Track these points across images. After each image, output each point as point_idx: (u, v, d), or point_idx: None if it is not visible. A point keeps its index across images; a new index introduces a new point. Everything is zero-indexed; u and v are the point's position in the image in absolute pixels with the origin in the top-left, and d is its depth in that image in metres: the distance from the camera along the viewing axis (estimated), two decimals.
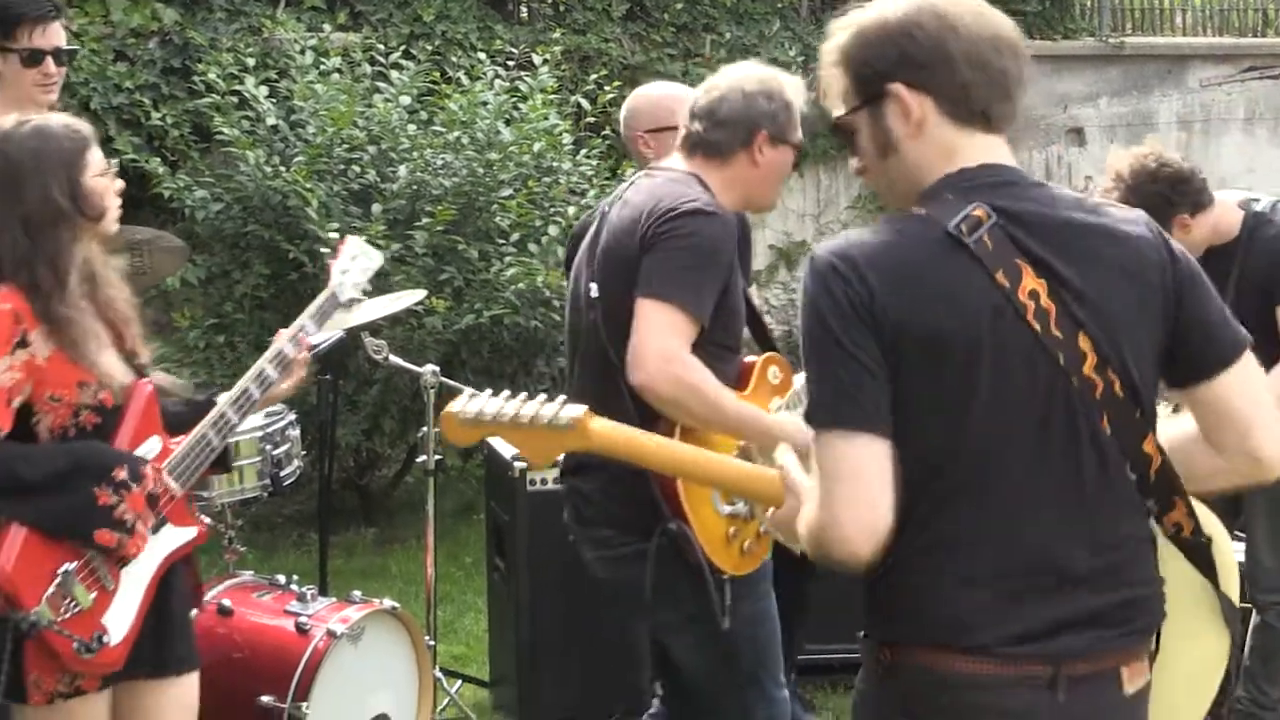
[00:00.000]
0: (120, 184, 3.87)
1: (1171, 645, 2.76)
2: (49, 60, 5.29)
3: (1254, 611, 5.30)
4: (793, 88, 4.15)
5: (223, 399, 3.96)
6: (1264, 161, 12.64)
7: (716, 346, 3.94)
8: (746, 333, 4.30)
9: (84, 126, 3.83)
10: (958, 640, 2.59)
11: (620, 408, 3.71)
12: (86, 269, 3.78)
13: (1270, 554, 5.17)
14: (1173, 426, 2.79)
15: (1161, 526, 2.73)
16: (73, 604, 3.60)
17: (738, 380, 4.07)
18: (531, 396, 2.90)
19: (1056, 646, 2.59)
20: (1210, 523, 2.81)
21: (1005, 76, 2.68)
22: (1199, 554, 2.78)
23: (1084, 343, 2.59)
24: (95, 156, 3.78)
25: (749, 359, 4.16)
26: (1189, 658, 2.85)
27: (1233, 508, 5.19)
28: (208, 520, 5.40)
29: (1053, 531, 2.62)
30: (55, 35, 5.33)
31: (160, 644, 3.83)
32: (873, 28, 2.68)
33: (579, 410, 2.85)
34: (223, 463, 4.28)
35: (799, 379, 4.29)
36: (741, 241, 5.41)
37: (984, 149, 2.70)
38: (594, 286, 4.04)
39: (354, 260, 4.35)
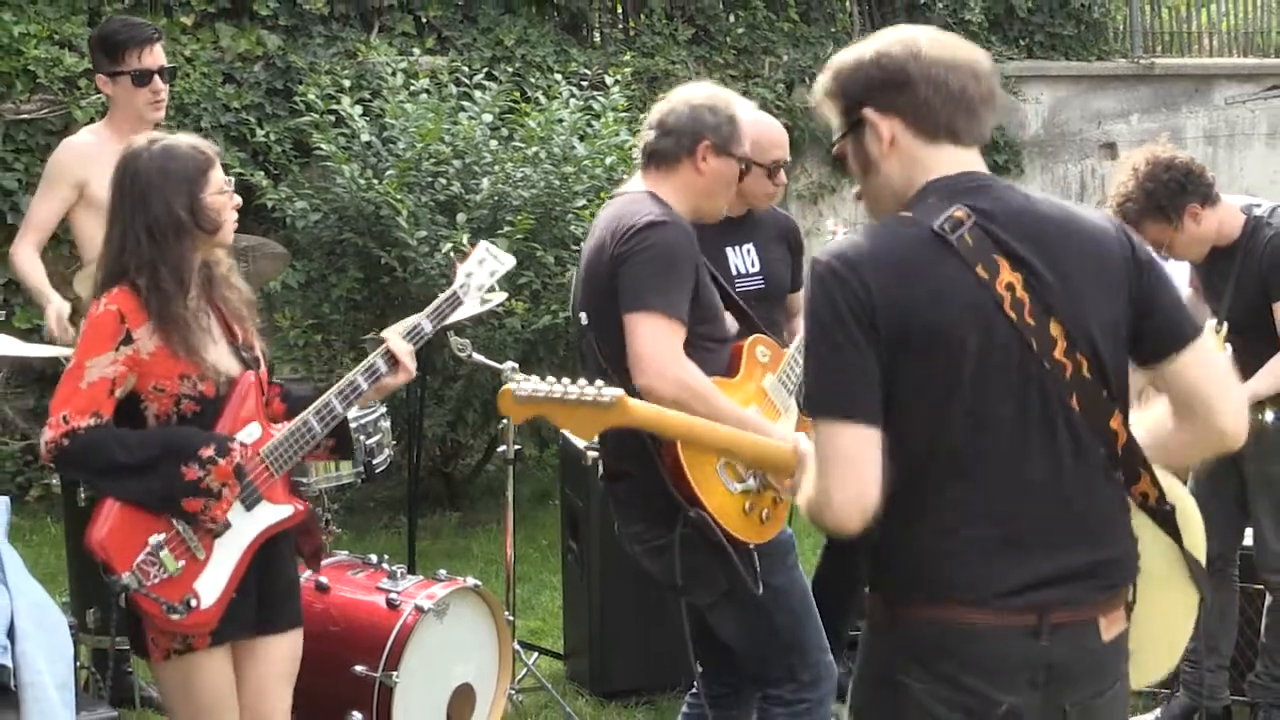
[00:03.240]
0: (238, 200, 3.96)
1: (1148, 600, 2.85)
2: (156, 78, 5.33)
3: (1267, 593, 5.27)
4: (742, 107, 4.18)
5: (331, 389, 4.01)
6: None
7: (703, 340, 3.97)
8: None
9: (209, 148, 3.93)
10: (956, 595, 2.70)
11: None
12: (205, 273, 3.92)
13: (1276, 541, 5.14)
14: (1150, 412, 2.88)
15: (1130, 496, 2.82)
16: (161, 570, 3.72)
17: (729, 367, 4.08)
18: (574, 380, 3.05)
19: (1041, 598, 2.70)
20: (1178, 493, 2.91)
21: (964, 94, 2.77)
22: (1165, 520, 2.87)
23: (1055, 328, 2.68)
24: (216, 175, 3.88)
25: (738, 343, 4.16)
26: (1163, 610, 2.93)
27: (1241, 503, 5.16)
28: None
29: (1036, 500, 2.71)
30: (159, 56, 5.38)
31: (264, 607, 3.94)
32: (848, 64, 2.82)
33: (618, 391, 3.00)
34: (344, 450, 4.31)
35: (791, 347, 4.28)
36: (793, 246, 5.42)
37: (958, 161, 2.78)
38: (584, 315, 4.06)
39: (480, 264, 4.39)
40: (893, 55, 2.77)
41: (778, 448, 3.09)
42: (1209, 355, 2.84)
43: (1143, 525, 2.84)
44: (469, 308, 5.05)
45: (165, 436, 3.77)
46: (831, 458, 2.65)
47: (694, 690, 4.38)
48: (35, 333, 7.43)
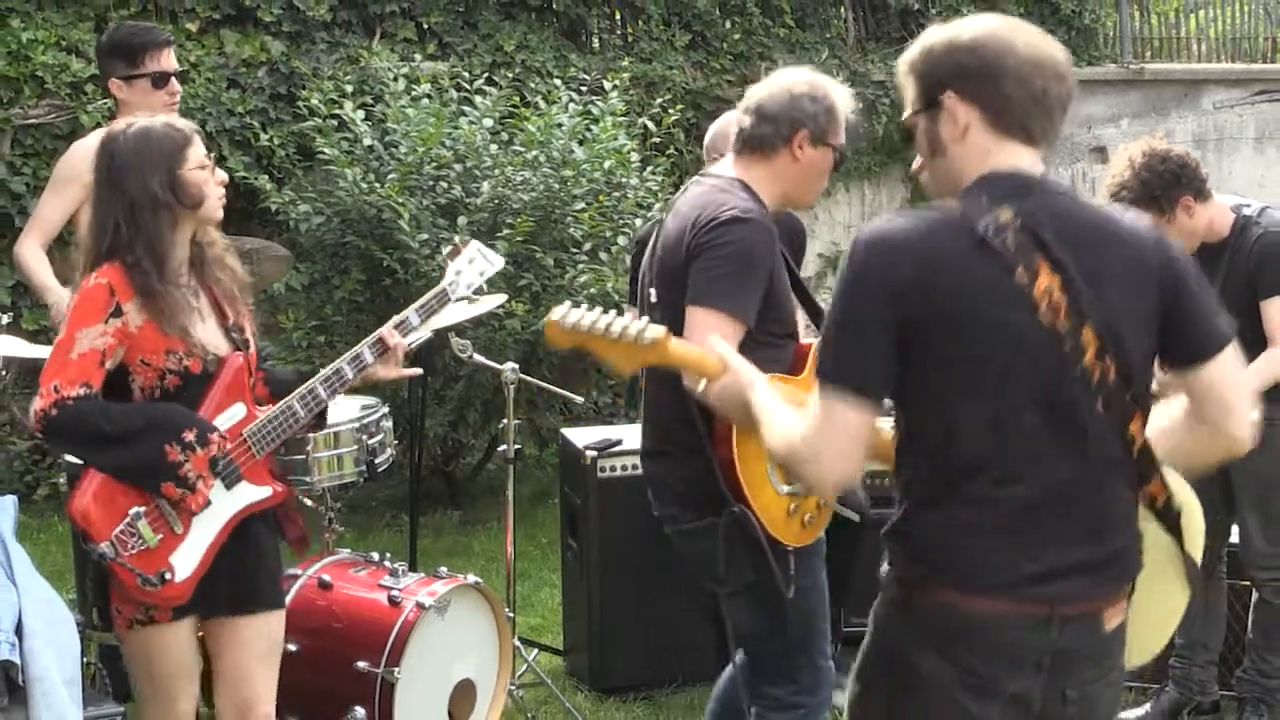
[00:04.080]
0: (223, 176, 3.95)
1: (1146, 593, 2.89)
2: (173, 80, 5.34)
3: (1254, 589, 5.27)
4: (841, 95, 4.10)
5: (317, 376, 4.04)
6: (1273, 177, 12.51)
7: (769, 335, 3.95)
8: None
9: (186, 126, 3.92)
10: (970, 582, 2.73)
11: (683, 404, 3.72)
12: (195, 252, 3.92)
13: (1261, 538, 5.15)
14: (1164, 412, 2.90)
15: (1140, 496, 2.84)
16: (139, 542, 3.73)
17: (793, 364, 4.06)
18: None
19: (1054, 591, 2.73)
20: (1185, 496, 2.93)
21: (1045, 96, 2.77)
22: (1170, 521, 2.90)
23: (1087, 334, 2.70)
24: (195, 152, 3.86)
25: (805, 342, 4.13)
26: (1159, 603, 2.97)
27: (1227, 500, 5.16)
28: (309, 502, 5.49)
29: (1054, 496, 2.74)
30: (172, 59, 5.40)
31: (237, 587, 3.94)
32: (940, 44, 2.80)
33: (660, 330, 2.96)
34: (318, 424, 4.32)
35: None
36: (795, 246, 5.41)
37: (1017, 157, 2.79)
38: (653, 292, 4.05)
39: (470, 263, 4.41)
40: (988, 46, 2.76)
41: (704, 355, 3.10)
42: (1232, 364, 2.86)
43: (1145, 520, 2.87)
44: (458, 312, 5.07)
45: (151, 412, 3.78)
46: (834, 425, 2.69)
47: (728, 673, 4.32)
48: (43, 334, 7.43)
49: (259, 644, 4.01)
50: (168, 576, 3.76)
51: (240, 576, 3.93)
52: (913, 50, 2.84)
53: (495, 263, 4.47)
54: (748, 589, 3.98)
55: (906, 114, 2.87)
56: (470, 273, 4.39)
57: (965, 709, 2.75)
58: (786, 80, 4.08)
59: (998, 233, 2.67)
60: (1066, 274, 2.69)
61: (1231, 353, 2.85)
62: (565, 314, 2.98)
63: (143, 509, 3.74)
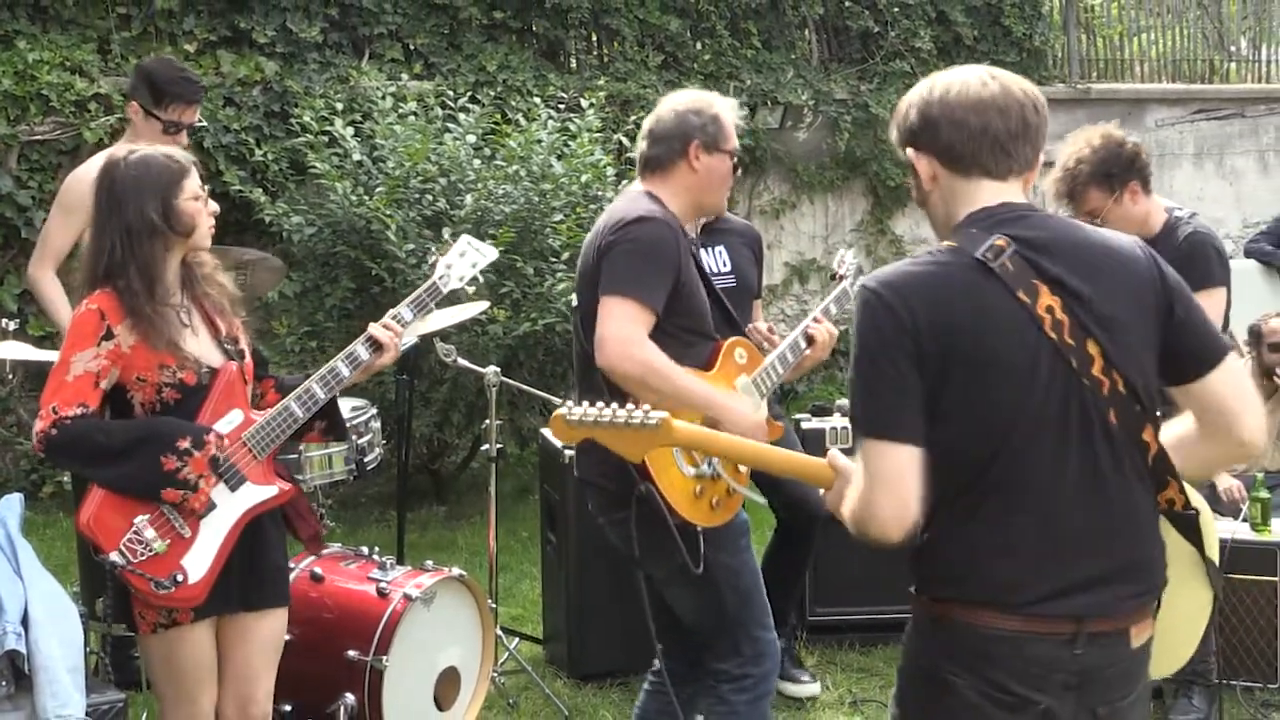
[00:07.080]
0: (215, 207, 3.94)
1: (1171, 602, 2.82)
2: (183, 134, 5.29)
3: None
4: (723, 104, 4.18)
5: (314, 376, 4.02)
6: (1211, 191, 12.57)
7: (683, 331, 3.98)
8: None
9: (183, 157, 3.91)
10: (996, 600, 2.68)
11: (598, 392, 3.76)
12: (185, 272, 3.91)
13: None
14: (1172, 427, 2.85)
15: (1155, 503, 2.79)
16: (148, 549, 3.71)
17: (706, 361, 4.08)
18: (622, 405, 3.02)
19: (1077, 606, 2.67)
20: (1197, 499, 2.88)
21: (987, 131, 2.77)
22: (1188, 525, 2.86)
23: (1092, 348, 2.67)
24: (190, 183, 3.86)
25: (717, 341, 4.16)
26: (1184, 609, 2.93)
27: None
28: None
29: (1075, 511, 2.68)
30: (194, 114, 5.34)
31: (249, 585, 3.92)
32: (898, 113, 2.87)
33: (663, 414, 2.93)
34: (337, 431, 4.26)
35: (772, 355, 4.29)
36: (756, 255, 5.44)
37: (996, 193, 2.78)
38: (574, 298, 4.13)
39: (462, 256, 4.39)
40: (925, 100, 2.80)
41: (814, 462, 2.98)
42: (1235, 371, 2.82)
43: (1164, 530, 2.82)
44: (443, 318, 5.05)
45: (145, 426, 3.77)
46: (877, 476, 2.64)
47: (655, 668, 4.37)
48: (48, 339, 7.40)
49: (267, 642, 4.00)
50: (180, 579, 3.74)
51: (251, 574, 3.91)
52: (890, 127, 2.91)
53: (488, 254, 4.44)
54: (681, 572, 3.98)
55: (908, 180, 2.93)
56: (462, 265, 4.36)
57: None
58: (671, 102, 4.18)
59: (995, 256, 2.67)
60: (1065, 292, 2.67)
61: (1233, 361, 2.81)
62: (570, 409, 2.98)
63: (147, 516, 3.73)
